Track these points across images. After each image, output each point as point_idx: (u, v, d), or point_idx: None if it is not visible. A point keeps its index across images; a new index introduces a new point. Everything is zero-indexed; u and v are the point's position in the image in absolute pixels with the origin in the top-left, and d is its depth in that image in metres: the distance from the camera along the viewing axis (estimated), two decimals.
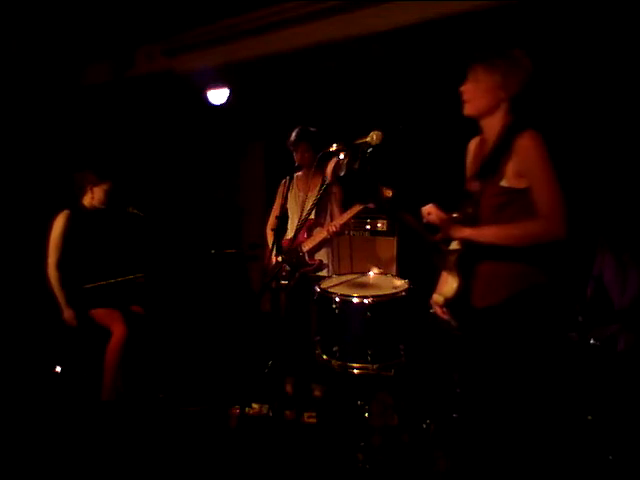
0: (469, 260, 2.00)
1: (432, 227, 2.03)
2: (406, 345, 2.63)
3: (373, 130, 2.20)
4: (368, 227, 4.18)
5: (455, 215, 2.00)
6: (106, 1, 4.15)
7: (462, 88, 2.02)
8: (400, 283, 2.82)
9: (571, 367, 2.95)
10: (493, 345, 1.97)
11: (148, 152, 5.21)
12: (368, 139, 2.19)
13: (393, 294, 2.66)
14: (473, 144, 2.19)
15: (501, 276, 1.94)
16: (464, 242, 1.99)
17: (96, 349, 3.37)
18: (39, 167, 4.86)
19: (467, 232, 1.93)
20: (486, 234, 1.91)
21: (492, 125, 2.00)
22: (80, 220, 3.51)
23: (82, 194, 3.56)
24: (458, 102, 2.08)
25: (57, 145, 4.96)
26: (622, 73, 3.30)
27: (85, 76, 5.18)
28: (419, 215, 2.07)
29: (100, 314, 3.45)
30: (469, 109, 2.01)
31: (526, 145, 1.86)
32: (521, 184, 1.88)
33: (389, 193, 2.86)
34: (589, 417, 2.78)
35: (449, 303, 2.05)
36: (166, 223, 4.43)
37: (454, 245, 2.04)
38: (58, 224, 3.48)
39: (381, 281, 2.96)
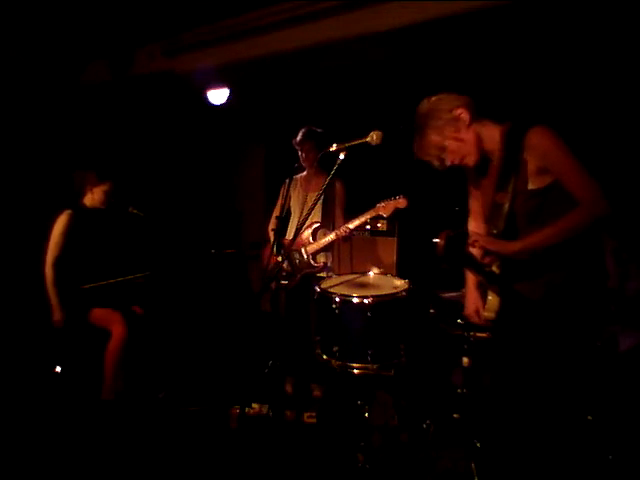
0: (510, 273, 1.97)
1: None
2: (406, 345, 2.63)
3: (373, 130, 2.20)
4: (368, 227, 4.17)
5: (494, 232, 1.97)
6: (106, 1, 4.15)
7: (449, 164, 2.03)
8: (400, 283, 2.83)
9: (571, 367, 2.95)
10: (539, 345, 1.95)
11: (148, 152, 5.21)
12: (368, 139, 2.19)
13: (393, 294, 2.67)
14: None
15: (543, 281, 1.94)
16: (504, 259, 1.95)
17: (96, 349, 3.37)
18: (39, 166, 4.86)
19: (518, 245, 1.89)
20: (537, 240, 1.87)
21: (490, 145, 2.01)
22: (82, 220, 3.51)
23: (82, 194, 3.56)
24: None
25: (57, 145, 4.96)
26: (621, 70, 3.30)
27: (85, 76, 5.17)
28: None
29: (100, 314, 3.44)
30: (472, 160, 2.02)
31: (539, 140, 1.86)
32: (548, 180, 1.87)
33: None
34: (589, 417, 2.78)
35: (498, 316, 2.03)
36: (166, 223, 4.43)
37: (496, 268, 2.00)
38: (60, 223, 3.46)
39: (381, 281, 2.96)
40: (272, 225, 3.72)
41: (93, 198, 3.55)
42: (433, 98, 2.03)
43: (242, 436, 2.98)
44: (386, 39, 3.77)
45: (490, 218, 2.04)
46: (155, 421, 3.28)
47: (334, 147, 2.25)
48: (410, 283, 2.77)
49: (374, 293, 2.66)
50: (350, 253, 4.20)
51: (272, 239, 3.68)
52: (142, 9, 4.20)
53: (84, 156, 4.58)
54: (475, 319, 2.24)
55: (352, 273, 3.21)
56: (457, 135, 1.98)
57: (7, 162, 4.72)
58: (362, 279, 3.02)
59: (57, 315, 3.42)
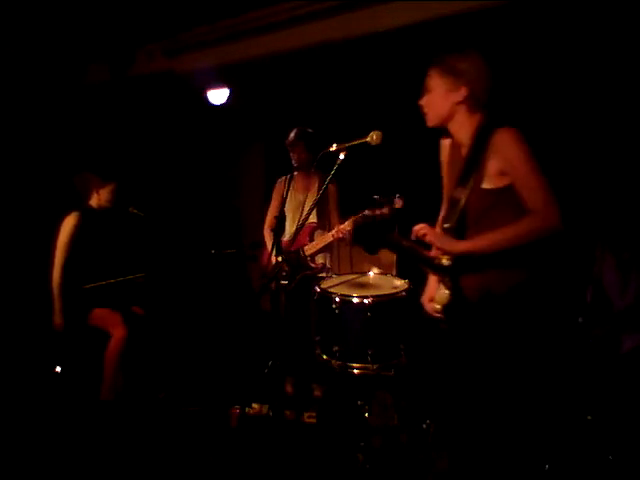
0: (460, 267, 1.98)
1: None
2: (406, 345, 2.63)
3: (373, 130, 2.20)
4: None
5: (446, 226, 1.98)
6: (107, 1, 4.15)
7: (420, 102, 2.06)
8: (400, 283, 2.82)
9: (571, 367, 2.95)
10: (484, 343, 1.98)
11: (148, 152, 5.21)
12: (368, 139, 2.19)
13: (393, 294, 2.66)
14: (445, 150, 2.19)
15: (489, 278, 1.95)
16: (456, 255, 1.97)
17: (96, 349, 3.37)
18: (40, 167, 4.86)
19: (465, 245, 1.91)
20: (483, 244, 1.89)
21: (459, 129, 2.02)
22: (90, 221, 3.50)
23: (87, 197, 3.54)
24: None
25: (57, 145, 4.96)
26: (621, 73, 3.30)
27: (85, 76, 5.17)
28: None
29: (100, 314, 3.44)
30: (430, 121, 2.06)
31: (504, 141, 1.86)
32: (503, 182, 1.88)
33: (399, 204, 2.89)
34: (589, 417, 2.78)
35: (445, 309, 2.05)
36: (166, 223, 4.43)
37: (445, 260, 2.00)
38: (67, 225, 3.44)
39: (381, 281, 2.95)
40: (271, 225, 3.72)
41: (99, 199, 3.54)
42: (478, 62, 1.97)
43: (242, 436, 2.98)
44: (386, 39, 3.76)
45: (447, 211, 2.05)
46: (155, 421, 3.28)
47: (334, 147, 2.24)
48: (410, 283, 2.77)
49: (374, 293, 2.66)
50: (350, 253, 4.19)
51: (270, 240, 3.68)
52: (142, 9, 4.20)
53: (84, 158, 4.57)
54: (427, 307, 2.23)
55: (352, 273, 3.20)
56: (442, 95, 1.99)
57: (9, 163, 4.72)
58: (362, 279, 3.01)
59: (58, 319, 3.41)
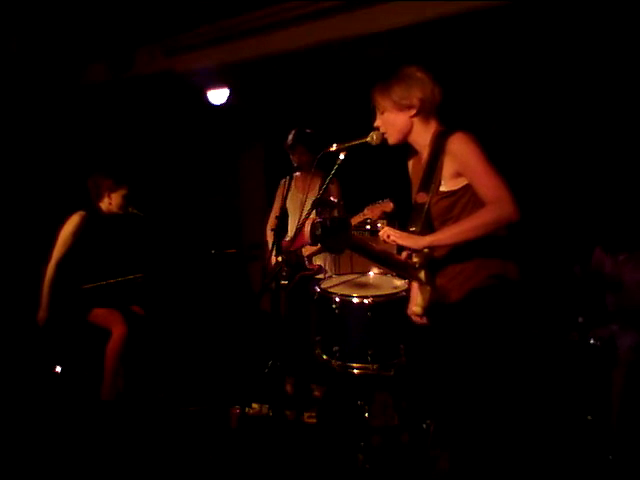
0: (432, 268, 2.06)
1: None
2: (406, 345, 2.63)
3: (373, 130, 2.20)
4: (368, 227, 4.18)
5: (412, 229, 2.05)
6: (107, 1, 4.15)
7: (376, 124, 2.11)
8: (400, 283, 2.82)
9: (570, 367, 2.95)
10: (459, 340, 2.03)
11: (148, 152, 5.21)
12: (368, 139, 2.19)
13: (393, 294, 2.67)
14: (411, 161, 2.26)
15: (459, 275, 2.02)
16: (425, 254, 2.03)
17: (96, 349, 3.37)
18: (41, 167, 4.86)
19: (427, 240, 1.97)
20: (444, 235, 1.96)
21: (419, 140, 2.08)
22: (94, 223, 3.50)
23: (99, 199, 3.53)
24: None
25: (59, 145, 4.96)
26: (625, 74, 3.30)
27: (85, 76, 5.17)
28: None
29: (100, 314, 3.44)
30: (391, 140, 2.09)
31: (456, 145, 1.93)
32: (459, 184, 1.96)
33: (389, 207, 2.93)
34: (589, 417, 2.78)
35: (426, 311, 2.09)
36: (166, 223, 4.43)
37: (416, 259, 2.07)
38: (71, 223, 3.44)
39: (381, 281, 2.96)
40: (272, 225, 3.72)
41: (110, 203, 3.53)
42: (417, 74, 2.03)
43: (242, 436, 2.98)
44: (385, 39, 3.77)
45: (412, 217, 2.10)
46: (155, 421, 3.28)
47: (334, 147, 2.24)
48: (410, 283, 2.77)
49: (374, 293, 2.67)
50: (350, 253, 4.19)
51: (271, 239, 3.68)
52: (142, 9, 4.20)
53: (95, 160, 4.55)
54: (409, 313, 2.27)
55: (352, 273, 3.21)
56: (396, 113, 2.04)
57: (8, 165, 4.72)
58: (362, 279, 3.02)
59: (42, 314, 3.41)
